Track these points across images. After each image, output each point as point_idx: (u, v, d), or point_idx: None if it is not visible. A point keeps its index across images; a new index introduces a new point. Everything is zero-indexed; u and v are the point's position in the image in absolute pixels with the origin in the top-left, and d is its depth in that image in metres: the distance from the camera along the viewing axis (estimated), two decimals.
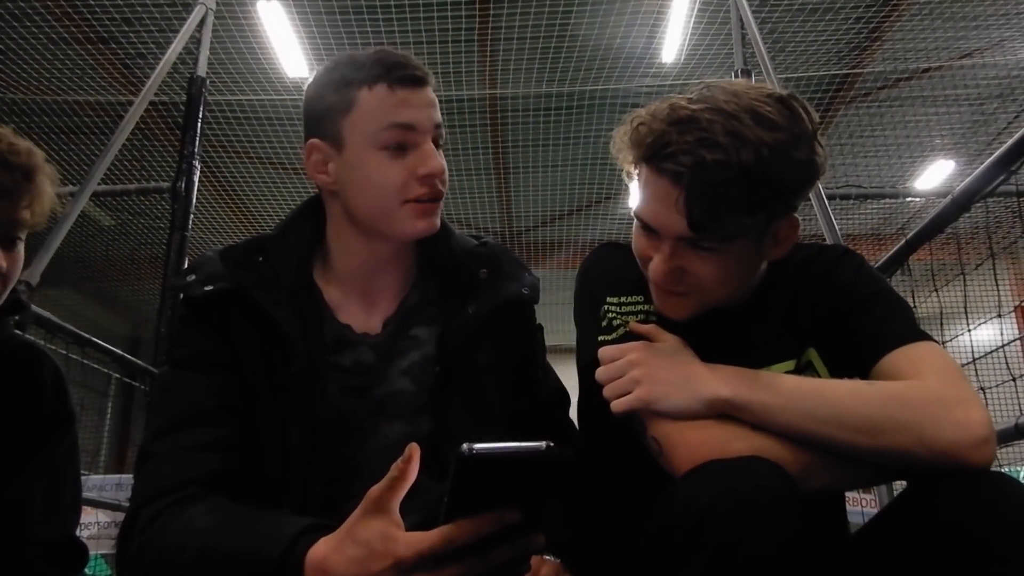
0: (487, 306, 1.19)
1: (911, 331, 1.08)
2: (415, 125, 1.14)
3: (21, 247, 1.25)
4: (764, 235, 1.10)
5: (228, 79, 6.17)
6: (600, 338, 1.14)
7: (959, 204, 1.86)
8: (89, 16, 5.72)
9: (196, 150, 3.44)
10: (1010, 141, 1.67)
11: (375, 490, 0.83)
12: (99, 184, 3.17)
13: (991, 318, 2.09)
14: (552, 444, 0.74)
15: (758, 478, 0.89)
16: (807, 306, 1.17)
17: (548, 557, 1.17)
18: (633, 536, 1.03)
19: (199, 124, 3.50)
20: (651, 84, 6.46)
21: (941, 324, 2.06)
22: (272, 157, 7.50)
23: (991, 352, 2.11)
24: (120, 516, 3.52)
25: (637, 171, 1.13)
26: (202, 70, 3.60)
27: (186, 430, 1.05)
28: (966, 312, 1.82)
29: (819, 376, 1.15)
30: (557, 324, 2.18)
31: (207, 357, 1.10)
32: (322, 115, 1.16)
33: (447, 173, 1.18)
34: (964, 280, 1.93)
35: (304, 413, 1.09)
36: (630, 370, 1.05)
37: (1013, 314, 9.01)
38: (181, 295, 1.16)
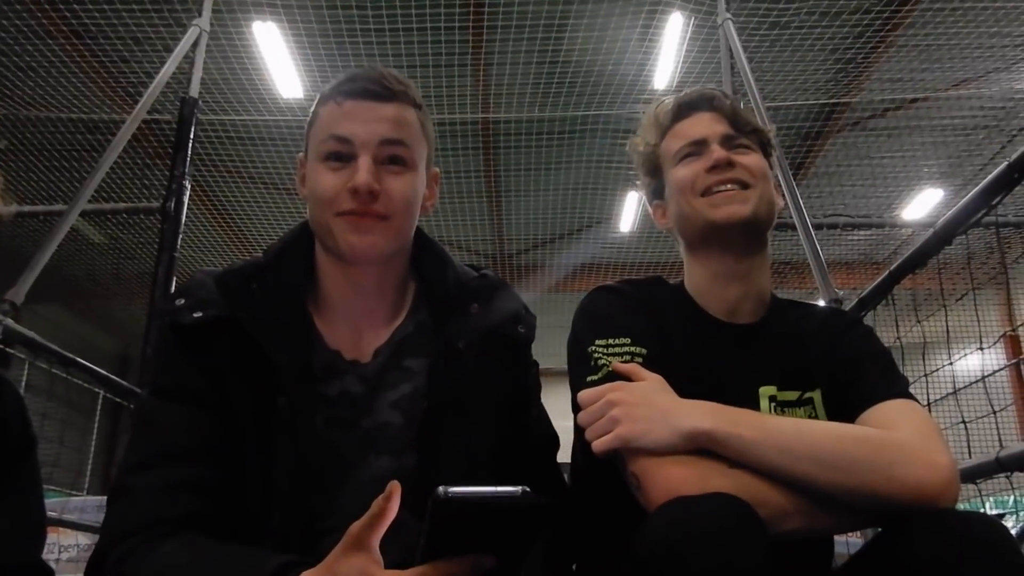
0: (476, 339, 1.17)
1: (899, 390, 1.16)
2: (350, 138, 1.11)
3: None
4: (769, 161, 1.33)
5: (221, 99, 6.20)
6: (588, 379, 1.16)
7: (941, 237, 1.88)
8: (84, 35, 5.75)
9: (187, 171, 3.44)
10: (990, 175, 1.69)
11: (356, 527, 0.83)
12: (89, 202, 3.17)
13: (970, 352, 2.11)
14: (528, 490, 0.75)
15: (725, 518, 0.90)
16: (817, 355, 1.26)
17: None
18: (612, 572, 1.03)
19: (190, 145, 3.50)
20: (643, 110, 6.50)
21: (924, 355, 2.07)
22: (264, 177, 7.51)
23: (972, 384, 2.13)
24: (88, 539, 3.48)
25: (668, 136, 1.35)
26: (195, 91, 3.62)
27: (164, 466, 1.02)
28: (948, 344, 1.84)
29: (817, 414, 1.22)
30: (547, 347, 2.18)
31: (191, 388, 1.07)
32: (305, 133, 1.20)
33: (400, 192, 1.13)
34: (945, 311, 1.95)
35: (289, 447, 1.06)
36: (609, 410, 1.07)
37: (1002, 342, 9.06)
38: (168, 319, 1.11)
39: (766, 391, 1.23)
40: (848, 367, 1.22)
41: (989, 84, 6.42)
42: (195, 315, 1.08)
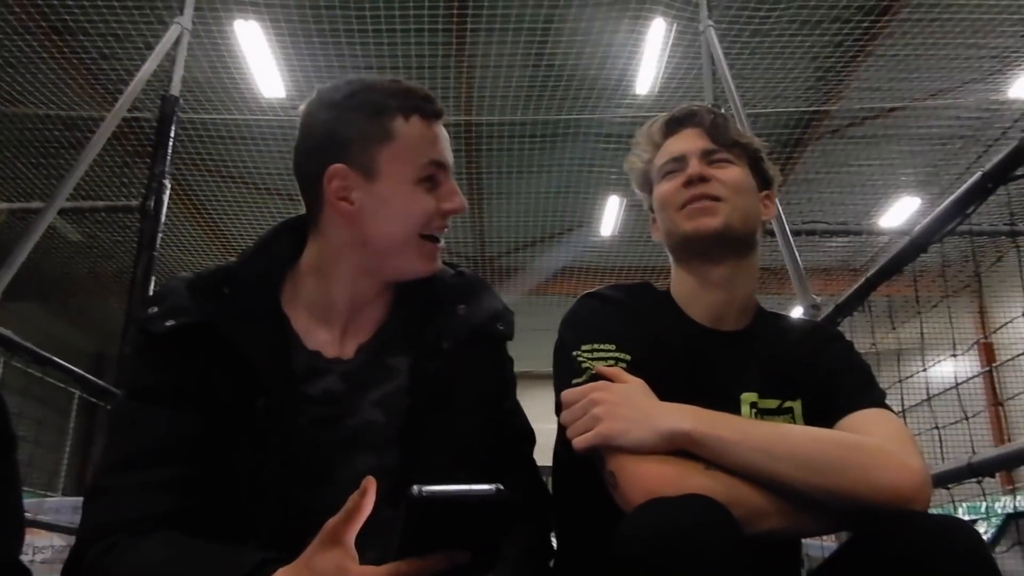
0: (460, 339, 1.18)
1: (876, 400, 1.20)
2: (446, 163, 1.17)
3: None
4: (755, 174, 1.36)
5: (203, 97, 6.16)
6: (572, 381, 1.18)
7: (917, 244, 1.91)
8: (64, 31, 5.70)
9: (166, 169, 3.42)
10: (965, 185, 1.71)
11: (332, 522, 0.84)
12: (67, 200, 3.14)
13: (942, 358, 2.14)
14: (501, 488, 0.77)
15: (700, 520, 0.91)
16: (799, 366, 1.29)
17: None
18: (590, 572, 1.04)
19: (170, 143, 3.48)
20: (624, 115, 6.55)
21: (899, 360, 2.11)
22: (244, 176, 7.47)
23: (945, 391, 2.16)
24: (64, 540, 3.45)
25: (658, 153, 1.38)
26: (175, 89, 3.60)
27: (142, 467, 1.02)
28: (922, 352, 1.87)
29: (797, 424, 1.25)
30: (527, 351, 2.19)
31: (167, 391, 1.07)
32: (350, 142, 1.13)
33: None
34: (920, 319, 1.99)
35: (272, 447, 1.06)
36: (591, 408, 1.09)
37: (976, 348, 9.18)
38: (141, 327, 1.10)
39: (747, 397, 1.25)
40: (828, 378, 1.25)
41: (966, 95, 6.52)
42: (167, 323, 1.08)
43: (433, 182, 1.16)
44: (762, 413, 1.25)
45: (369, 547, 0.85)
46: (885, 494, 1.01)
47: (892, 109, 6.77)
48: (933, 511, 1.05)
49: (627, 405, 1.08)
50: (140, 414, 1.07)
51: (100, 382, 3.05)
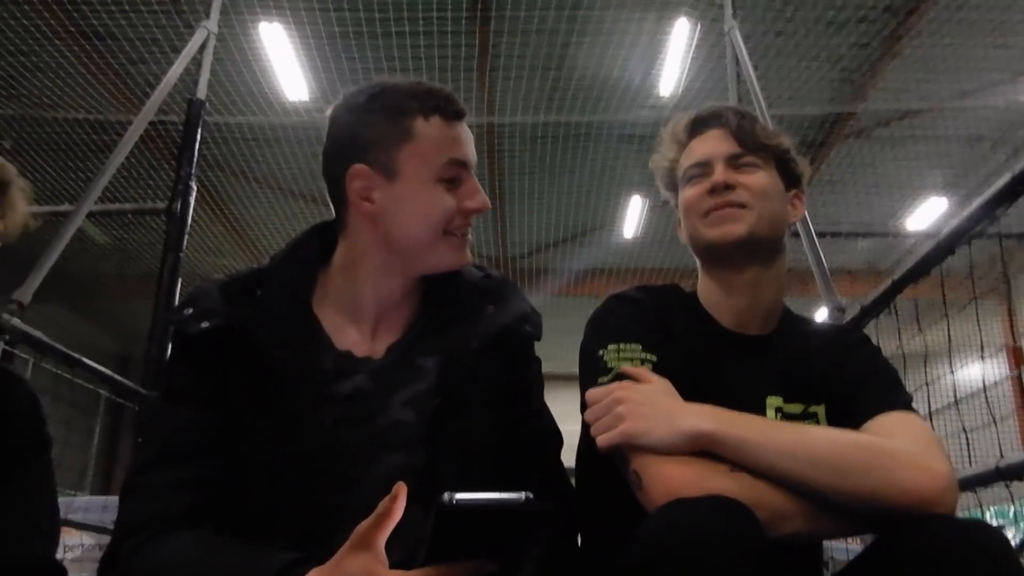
0: (488, 340, 1.20)
1: (902, 403, 1.19)
2: (468, 162, 1.17)
3: None
4: (783, 174, 1.34)
5: (227, 99, 6.22)
6: (599, 380, 1.19)
7: (943, 247, 1.89)
8: (92, 36, 5.77)
9: (192, 172, 3.45)
10: (993, 187, 1.69)
11: (362, 526, 0.86)
12: (95, 203, 3.18)
13: (969, 362, 2.12)
14: (531, 496, 0.76)
15: (722, 521, 0.92)
16: (824, 371, 1.28)
17: None
18: (612, 572, 1.04)
19: (196, 146, 3.51)
20: (648, 116, 6.53)
21: (925, 363, 2.09)
22: (268, 178, 7.53)
23: (972, 395, 2.14)
24: (105, 539, 3.49)
25: (684, 154, 1.37)
26: (202, 93, 3.63)
27: (172, 465, 1.05)
28: (950, 355, 1.85)
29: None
30: (550, 351, 2.19)
31: (199, 392, 1.10)
32: (372, 143, 1.15)
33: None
34: (948, 322, 1.96)
35: (299, 447, 1.08)
36: (615, 407, 1.10)
37: (1004, 352, 9.05)
38: (175, 329, 1.14)
39: (772, 402, 1.25)
40: (853, 383, 1.24)
41: (994, 96, 6.43)
42: (202, 325, 1.11)
43: (454, 181, 1.16)
44: (787, 418, 1.24)
45: (396, 545, 0.86)
46: (909, 497, 1.00)
47: (919, 111, 6.69)
48: (961, 515, 1.04)
49: (650, 405, 1.09)
50: (171, 414, 1.10)
51: (128, 382, 3.09)
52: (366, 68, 6.11)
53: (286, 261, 1.20)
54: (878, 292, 2.16)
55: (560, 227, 8.91)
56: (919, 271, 2.02)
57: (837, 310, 2.46)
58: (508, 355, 1.23)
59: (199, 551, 0.97)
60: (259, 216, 8.22)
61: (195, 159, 3.48)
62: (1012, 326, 9.51)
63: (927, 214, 8.25)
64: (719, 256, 1.30)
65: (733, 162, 1.30)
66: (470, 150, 1.18)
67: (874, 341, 1.36)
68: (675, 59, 6.04)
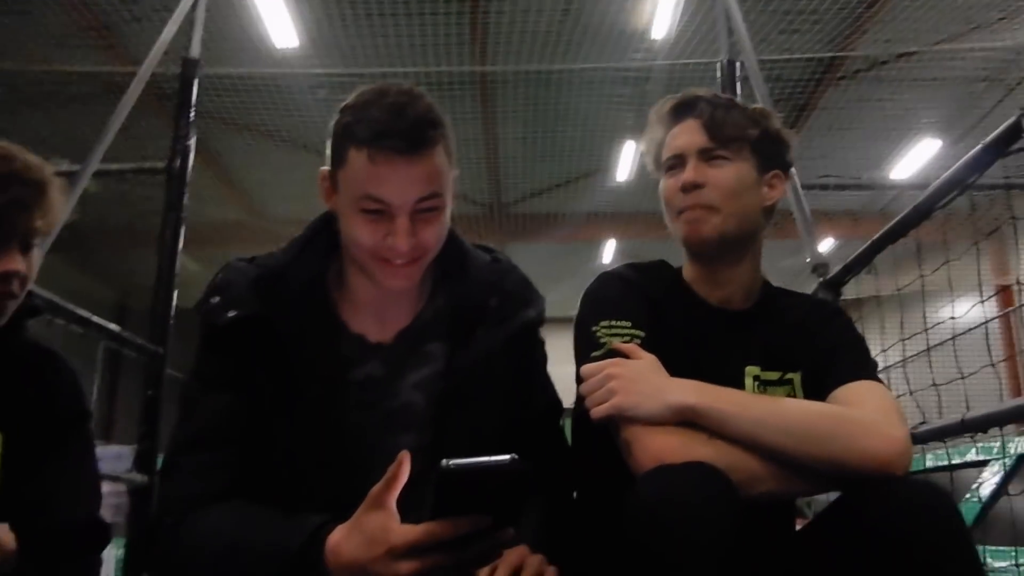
0: (497, 334, 1.27)
1: (868, 373, 1.31)
2: (388, 202, 1.12)
3: (36, 252, 1.32)
4: (759, 166, 1.38)
5: (215, 49, 6.12)
6: (592, 355, 1.29)
7: (921, 211, 1.90)
8: None
9: (190, 131, 3.46)
10: (994, 135, 1.62)
11: (375, 489, 0.98)
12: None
13: (955, 302, 2.20)
14: (516, 458, 0.89)
15: (701, 483, 1.05)
16: (800, 341, 1.40)
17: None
18: (602, 533, 1.16)
19: (193, 106, 3.51)
20: (641, 60, 6.48)
21: (924, 301, 2.17)
22: (259, 126, 7.47)
23: (955, 336, 2.22)
24: (115, 487, 3.59)
25: (666, 135, 1.42)
26: (195, 51, 3.61)
27: (209, 448, 1.14)
28: (952, 302, 1.90)
29: (796, 394, 1.37)
30: (545, 296, 2.25)
31: (229, 378, 1.18)
32: (331, 153, 1.19)
33: (435, 237, 1.18)
34: (948, 267, 2.04)
35: (319, 431, 1.17)
36: (608, 382, 1.21)
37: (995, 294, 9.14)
38: (204, 317, 1.21)
39: (751, 371, 1.37)
40: (827, 352, 1.36)
41: (990, 36, 6.38)
42: (229, 314, 1.18)
43: (379, 214, 1.13)
44: (764, 384, 1.37)
45: (407, 518, 0.96)
46: (868, 460, 1.13)
47: (911, 53, 6.65)
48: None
49: (640, 380, 1.20)
50: (203, 398, 1.19)
51: (125, 333, 3.06)
52: (356, 14, 6.03)
53: (305, 250, 1.26)
54: (859, 251, 2.19)
55: (554, 172, 8.89)
56: (899, 232, 2.04)
57: (819, 266, 2.48)
58: (515, 341, 1.31)
59: (239, 516, 1.07)
60: (250, 164, 8.17)
61: (192, 118, 3.48)
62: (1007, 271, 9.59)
63: (919, 156, 8.26)
64: (693, 251, 1.40)
65: (704, 156, 1.36)
66: (396, 191, 1.12)
67: (848, 315, 1.47)
68: (667, 1, 5.99)
